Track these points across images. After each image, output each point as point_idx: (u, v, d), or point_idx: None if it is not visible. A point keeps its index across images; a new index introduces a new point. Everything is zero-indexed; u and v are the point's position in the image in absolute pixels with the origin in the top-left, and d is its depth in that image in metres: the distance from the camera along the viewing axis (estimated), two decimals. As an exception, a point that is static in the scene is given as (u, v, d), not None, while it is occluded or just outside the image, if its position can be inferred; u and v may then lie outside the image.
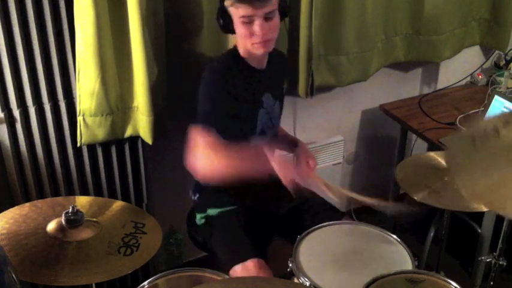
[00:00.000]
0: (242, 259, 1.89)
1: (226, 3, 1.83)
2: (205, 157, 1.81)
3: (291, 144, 2.22)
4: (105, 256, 1.61)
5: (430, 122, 2.70)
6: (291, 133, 2.42)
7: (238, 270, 1.89)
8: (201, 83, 1.90)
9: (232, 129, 1.92)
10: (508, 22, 2.96)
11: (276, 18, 1.88)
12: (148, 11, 1.98)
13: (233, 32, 1.89)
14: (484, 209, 1.91)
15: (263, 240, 2.09)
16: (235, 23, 1.85)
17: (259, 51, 1.90)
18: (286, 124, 2.37)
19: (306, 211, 2.09)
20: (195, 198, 2.17)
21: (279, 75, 2.11)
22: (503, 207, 1.50)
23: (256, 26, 1.83)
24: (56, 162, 2.14)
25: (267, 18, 1.84)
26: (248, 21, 1.83)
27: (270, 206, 2.13)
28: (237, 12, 1.83)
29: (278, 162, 1.81)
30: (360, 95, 2.92)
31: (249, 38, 1.86)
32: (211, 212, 2.10)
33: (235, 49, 1.97)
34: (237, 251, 1.95)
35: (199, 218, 2.13)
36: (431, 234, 2.61)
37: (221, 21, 1.88)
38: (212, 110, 1.88)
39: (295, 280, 1.74)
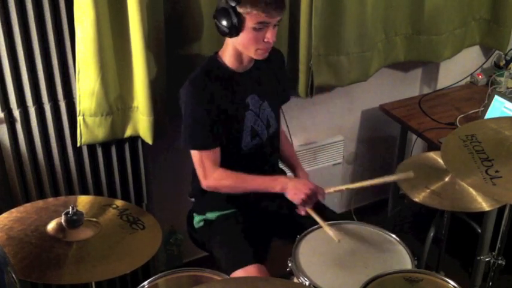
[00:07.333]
0: (243, 265, 1.89)
1: (240, 10, 1.82)
2: (220, 177, 1.98)
3: (292, 168, 2.25)
4: (105, 256, 1.61)
5: (430, 122, 2.70)
6: (289, 133, 2.41)
7: (239, 275, 1.88)
8: (180, 97, 1.95)
9: (219, 136, 1.96)
10: (508, 22, 2.96)
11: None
12: (149, 11, 1.99)
13: (235, 35, 1.87)
14: (484, 209, 1.91)
15: (263, 243, 2.09)
16: (247, 28, 1.85)
17: (262, 56, 1.93)
18: (286, 124, 2.37)
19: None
20: (194, 200, 2.17)
21: (268, 74, 2.09)
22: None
23: (269, 33, 1.87)
24: (56, 162, 2.14)
25: (274, 25, 1.88)
26: (261, 27, 1.85)
27: (272, 206, 2.12)
28: (253, 18, 1.83)
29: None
30: (360, 95, 2.92)
31: (256, 44, 1.88)
32: (210, 215, 2.09)
33: (214, 57, 2.00)
34: (237, 256, 1.94)
35: (197, 221, 2.13)
36: (431, 234, 2.61)
37: (228, 24, 1.84)
38: (197, 130, 1.94)
39: (295, 280, 1.74)
